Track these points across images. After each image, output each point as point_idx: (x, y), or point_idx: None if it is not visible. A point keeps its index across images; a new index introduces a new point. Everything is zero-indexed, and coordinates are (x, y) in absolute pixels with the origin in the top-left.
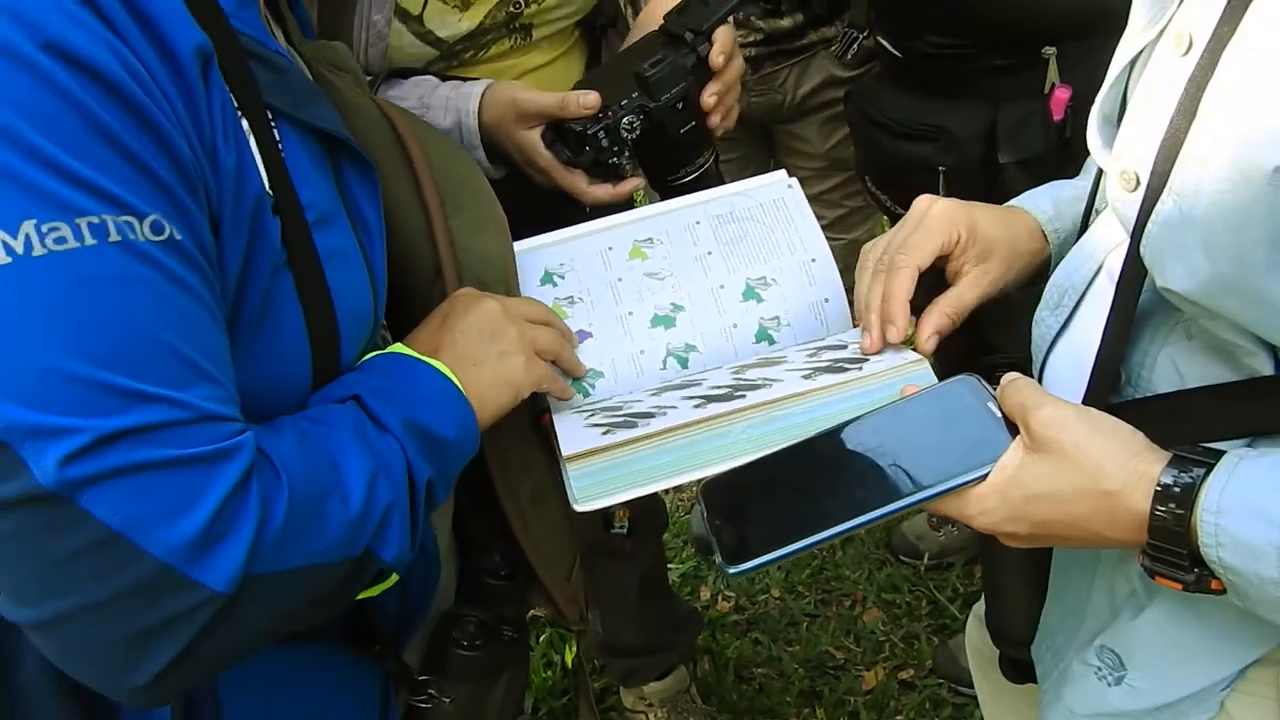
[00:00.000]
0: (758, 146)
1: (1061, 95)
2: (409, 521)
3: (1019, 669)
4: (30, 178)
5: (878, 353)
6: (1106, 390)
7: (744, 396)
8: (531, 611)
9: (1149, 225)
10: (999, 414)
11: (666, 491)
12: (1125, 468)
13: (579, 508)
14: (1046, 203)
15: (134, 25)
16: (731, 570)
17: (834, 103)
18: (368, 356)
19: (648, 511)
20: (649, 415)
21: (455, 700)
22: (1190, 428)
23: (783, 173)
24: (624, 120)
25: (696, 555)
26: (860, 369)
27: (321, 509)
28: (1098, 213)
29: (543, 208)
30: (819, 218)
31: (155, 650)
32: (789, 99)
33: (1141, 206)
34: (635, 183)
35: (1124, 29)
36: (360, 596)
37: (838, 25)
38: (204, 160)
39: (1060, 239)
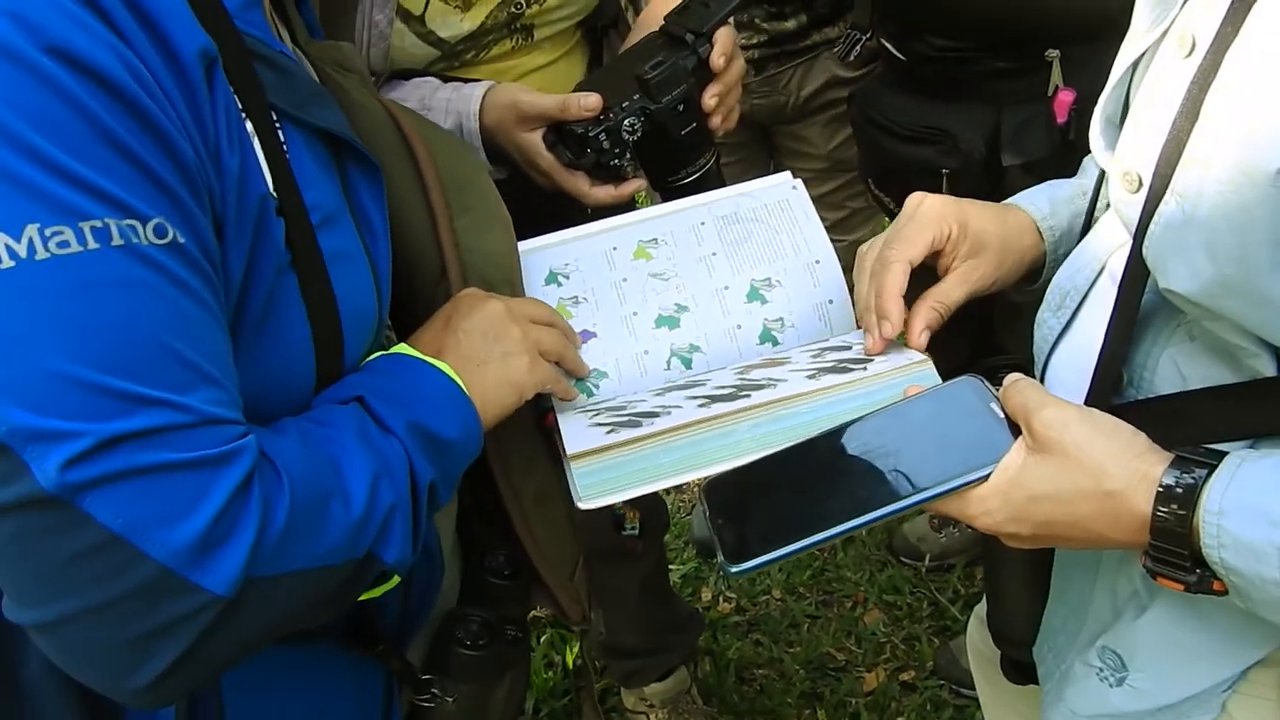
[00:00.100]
0: (759, 148)
1: (1065, 98)
2: (411, 523)
3: (1020, 670)
4: (33, 181)
5: (881, 353)
6: (1109, 391)
7: (748, 396)
8: (532, 612)
9: (1151, 227)
10: (1001, 415)
11: (668, 492)
12: (1127, 469)
13: (582, 505)
14: (1042, 200)
15: (138, 28)
16: (734, 569)
17: (837, 103)
18: (372, 357)
19: (649, 513)
20: (653, 415)
21: (458, 699)
22: (1192, 429)
23: (787, 174)
24: (625, 122)
25: (698, 557)
26: (864, 369)
27: (323, 511)
28: (1100, 214)
29: (544, 209)
30: (821, 219)
31: (156, 652)
32: (792, 100)
33: (1144, 208)
34: (637, 184)
35: (1127, 31)
36: (363, 598)
37: (840, 26)
38: (208, 163)
39: (1055, 236)
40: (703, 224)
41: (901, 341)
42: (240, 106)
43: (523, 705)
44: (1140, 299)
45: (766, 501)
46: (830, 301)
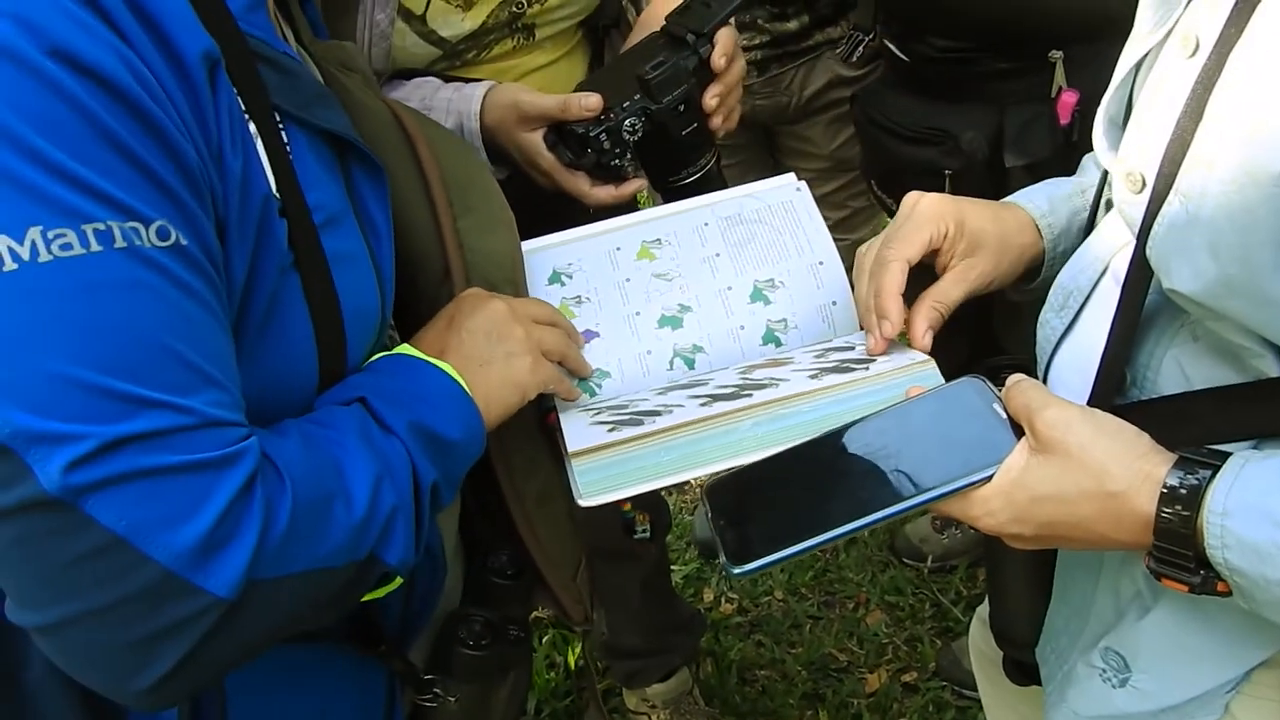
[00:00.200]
0: (760, 149)
1: (1068, 99)
2: (413, 524)
3: (1023, 671)
4: (36, 184)
5: (883, 353)
6: (1111, 392)
7: (750, 395)
8: (534, 613)
9: (1155, 227)
10: (1004, 415)
11: (670, 493)
12: (1130, 469)
13: (583, 503)
14: (1041, 198)
15: (140, 30)
16: (736, 571)
17: (839, 103)
18: (374, 358)
19: (651, 513)
20: (655, 413)
21: (460, 700)
22: (1195, 429)
23: (791, 176)
24: (626, 122)
25: (700, 557)
26: (867, 369)
27: (326, 513)
28: (1102, 214)
29: (545, 209)
30: (823, 218)
31: (159, 655)
32: (795, 100)
33: (1147, 208)
34: (637, 184)
35: (1130, 32)
36: (365, 599)
37: (843, 26)
38: (210, 165)
39: (1054, 233)
40: (706, 225)
41: (904, 342)
42: (243, 108)
43: (524, 705)
44: (1143, 299)
45: (769, 502)
46: (833, 303)
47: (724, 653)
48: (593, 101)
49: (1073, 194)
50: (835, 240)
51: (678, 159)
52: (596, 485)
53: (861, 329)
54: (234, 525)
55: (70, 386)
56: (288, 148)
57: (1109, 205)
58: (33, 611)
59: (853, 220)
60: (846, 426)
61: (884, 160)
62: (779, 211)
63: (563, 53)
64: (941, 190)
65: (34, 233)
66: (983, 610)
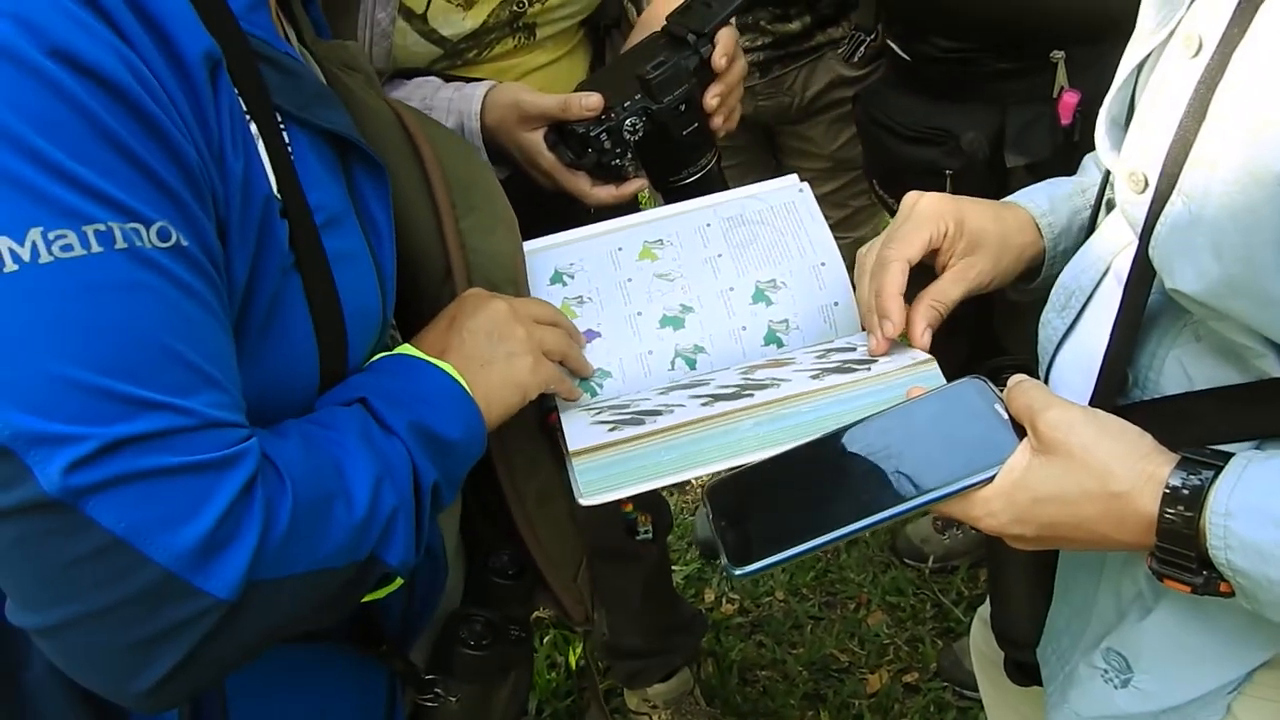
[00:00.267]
0: (761, 150)
1: (1070, 99)
2: (414, 525)
3: (1024, 672)
4: (37, 185)
5: (885, 354)
6: (1114, 392)
7: (751, 395)
8: (535, 613)
9: (1158, 227)
10: (1006, 416)
11: (671, 493)
12: (1133, 470)
13: (583, 502)
14: (1041, 197)
15: (141, 30)
16: (737, 572)
17: (841, 103)
18: (375, 358)
19: (653, 513)
20: (656, 413)
21: (461, 699)
22: (1198, 430)
23: (794, 177)
24: (626, 122)
25: (701, 557)
26: (868, 369)
27: (326, 514)
28: (1104, 215)
29: (546, 209)
30: (825, 218)
31: (159, 656)
32: (797, 100)
33: (1150, 208)
34: (638, 184)
35: (1131, 32)
36: (366, 599)
37: (844, 26)
38: (211, 166)
39: (1054, 232)
40: (708, 225)
41: (904, 342)
42: (244, 108)
43: (526, 705)
44: (1146, 299)
45: (770, 503)
46: (835, 304)
47: (725, 653)
48: (593, 101)
49: (1073, 193)
50: (836, 239)
51: (678, 159)
52: (597, 485)
53: (863, 329)
54: (234, 526)
55: (70, 388)
56: (289, 148)
57: (1110, 205)
58: (33, 613)
59: (854, 219)
60: (847, 427)
61: (886, 160)
62: (781, 212)
63: (564, 52)
64: (942, 190)
65: (34, 234)
66: (984, 611)
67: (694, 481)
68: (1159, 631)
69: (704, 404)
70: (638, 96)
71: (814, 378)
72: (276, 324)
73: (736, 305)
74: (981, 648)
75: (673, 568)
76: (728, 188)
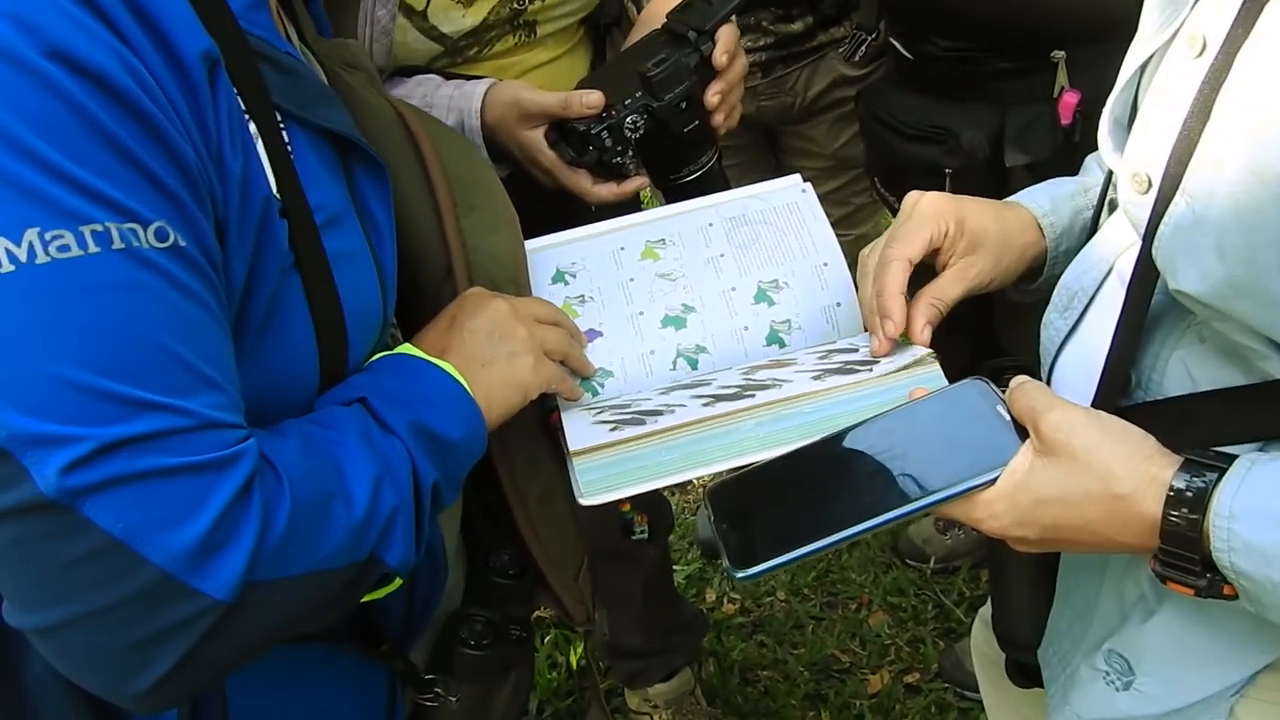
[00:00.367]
0: (762, 150)
1: (1070, 99)
2: (414, 525)
3: (1025, 673)
4: (34, 185)
5: (887, 354)
6: (1116, 393)
7: (753, 396)
8: (536, 613)
9: (1161, 227)
10: (1008, 417)
11: (672, 493)
12: (1136, 471)
13: (584, 502)
14: (1043, 197)
15: (139, 30)
16: (739, 574)
17: (843, 102)
18: (375, 357)
19: (654, 513)
20: (657, 413)
21: (461, 699)
22: (1201, 431)
23: (797, 177)
24: (627, 119)
25: (702, 557)
26: (870, 370)
27: (325, 514)
28: (1106, 215)
29: (547, 207)
30: (826, 215)
31: (156, 657)
32: (799, 100)
33: (1154, 209)
34: (639, 181)
35: (1134, 33)
36: (366, 599)
37: (846, 26)
38: (209, 165)
39: (1056, 232)
40: (711, 225)
41: (905, 341)
42: (243, 108)
43: (526, 705)
44: (1149, 300)
45: (771, 506)
46: (838, 304)
47: (726, 653)
48: (594, 99)
49: (1075, 193)
50: (838, 236)
51: (679, 156)
52: (597, 484)
53: (865, 330)
54: (231, 527)
55: (67, 388)
56: (289, 147)
57: (1113, 206)
58: (30, 614)
59: (855, 216)
60: (849, 429)
61: (887, 158)
62: (784, 212)
63: (564, 50)
64: (942, 189)
65: (31, 234)
66: (985, 612)
67: (696, 481)
68: (1161, 634)
69: (705, 404)
70: (638, 94)
71: (816, 378)
72: (276, 324)
73: (739, 305)
74: (983, 649)
75: (674, 567)
76: (729, 185)
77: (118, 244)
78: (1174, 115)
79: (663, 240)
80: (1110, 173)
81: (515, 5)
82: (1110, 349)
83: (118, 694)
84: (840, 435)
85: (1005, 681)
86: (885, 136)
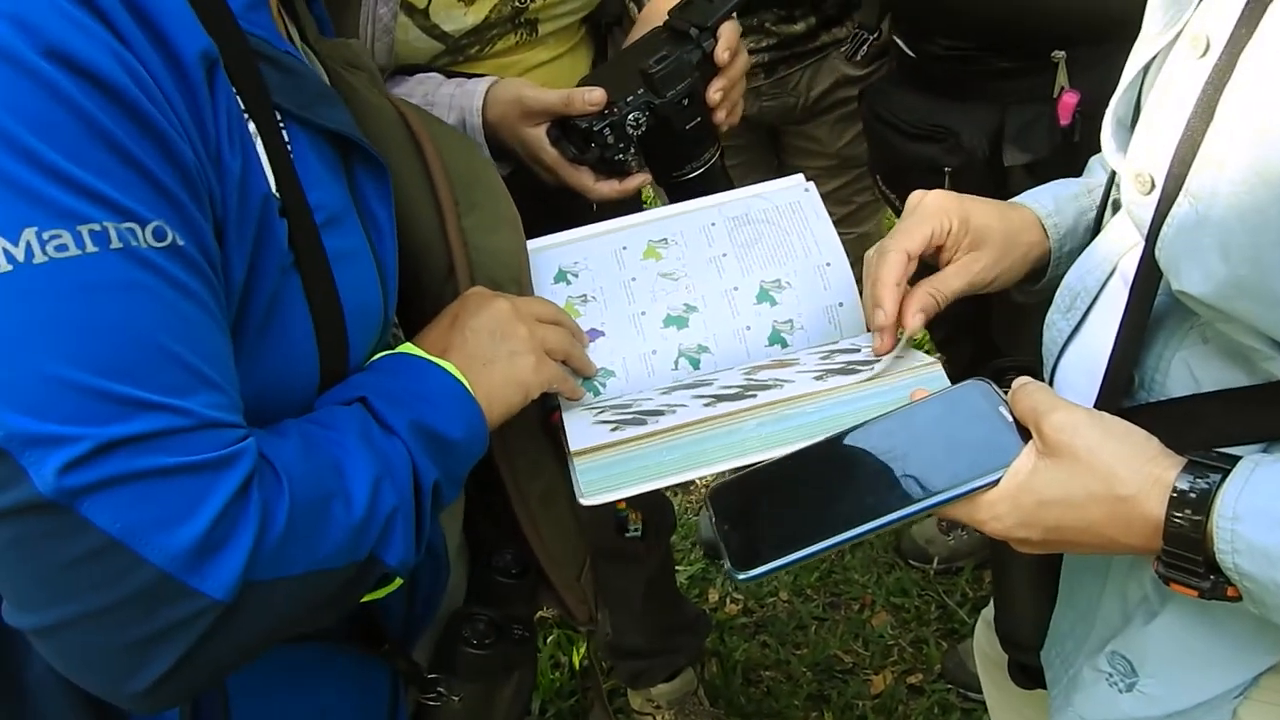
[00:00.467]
0: (764, 149)
1: (1069, 100)
2: (414, 525)
3: (1028, 675)
4: (31, 185)
5: (889, 353)
6: (1119, 394)
7: (754, 396)
8: (539, 613)
9: (1164, 228)
10: (1010, 418)
11: (675, 493)
12: (1139, 473)
13: (585, 501)
14: (1047, 198)
15: (138, 30)
16: (740, 576)
17: (846, 102)
18: (376, 357)
19: (656, 513)
20: (658, 412)
21: (464, 699)
22: (1205, 432)
23: (800, 176)
24: (629, 116)
25: (705, 558)
26: (872, 371)
27: (324, 514)
28: (1109, 216)
29: (548, 205)
30: (829, 214)
31: (155, 657)
32: (802, 101)
33: (1157, 209)
34: (641, 178)
35: (1136, 34)
36: (366, 599)
37: (848, 26)
38: (208, 165)
39: (1060, 233)
40: (713, 225)
41: (903, 336)
42: (243, 107)
43: (529, 705)
44: (1152, 301)
45: (773, 507)
46: (840, 304)
47: (729, 653)
48: (596, 96)
49: (1079, 194)
50: (840, 235)
51: (681, 153)
52: (598, 484)
53: (868, 330)
54: (230, 527)
55: (65, 388)
56: (289, 147)
57: (1116, 206)
58: (29, 614)
59: (858, 215)
60: (851, 429)
61: (889, 157)
62: (786, 212)
63: (566, 49)
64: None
65: (29, 234)
66: (988, 613)
67: (698, 482)
68: (1165, 635)
69: (707, 404)
70: (640, 91)
71: (818, 379)
72: (276, 323)
73: (741, 305)
74: (986, 650)
75: (676, 568)
76: (731, 183)
77: (115, 243)
78: (1177, 116)
79: (665, 240)
80: (1113, 173)
81: (517, 3)
82: (1113, 350)
83: (116, 694)
84: (842, 436)
85: (1008, 683)
86: (887, 135)
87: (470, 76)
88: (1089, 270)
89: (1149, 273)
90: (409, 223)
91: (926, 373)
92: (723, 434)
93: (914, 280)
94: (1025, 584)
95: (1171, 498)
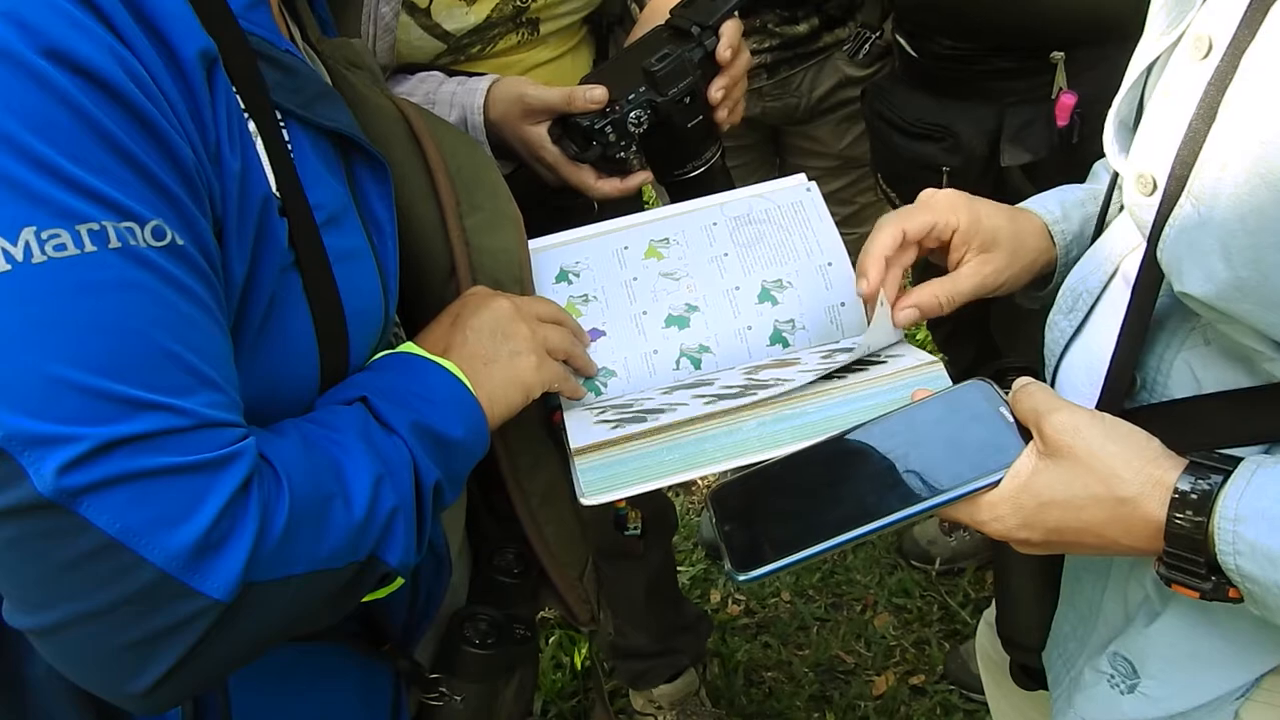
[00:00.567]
0: (766, 150)
1: (1067, 101)
2: (414, 525)
3: (1030, 676)
4: (30, 184)
5: (891, 354)
6: (1121, 395)
7: (756, 395)
8: (541, 613)
9: (1166, 229)
10: (1011, 419)
11: (676, 493)
12: (1140, 474)
13: (585, 501)
14: (1053, 204)
15: (137, 29)
16: (741, 577)
17: (848, 102)
18: (377, 356)
19: (657, 513)
20: (659, 411)
21: (466, 699)
22: (1206, 434)
23: (801, 176)
24: (631, 115)
25: (706, 558)
26: (874, 370)
27: (324, 514)
28: (1112, 217)
29: (550, 203)
30: (831, 214)
31: (155, 657)
32: (804, 101)
33: (1159, 210)
34: (642, 177)
35: (1135, 36)
36: (368, 599)
37: (850, 26)
38: (207, 164)
39: (1067, 239)
40: (715, 224)
41: (908, 341)
42: (243, 106)
43: (531, 705)
44: (1154, 302)
45: (774, 508)
46: (842, 304)
47: (731, 654)
48: (598, 94)
49: (1085, 200)
50: (842, 235)
51: (683, 152)
52: (599, 484)
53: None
54: (230, 527)
55: (65, 388)
56: (289, 146)
57: (1119, 208)
58: (29, 614)
59: (860, 215)
60: (852, 429)
61: (890, 155)
62: (788, 212)
63: (567, 49)
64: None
65: (28, 233)
66: (990, 614)
67: (700, 482)
68: (1166, 637)
69: (707, 404)
70: (642, 89)
71: (819, 379)
72: (276, 322)
73: (742, 305)
74: (988, 651)
75: (678, 568)
76: (732, 182)
77: (114, 243)
78: (1179, 117)
79: (666, 239)
80: (1116, 174)
81: (518, 3)
82: (1115, 351)
83: (117, 694)
84: (843, 436)
85: (1010, 684)
86: (888, 134)
87: (471, 75)
88: (1091, 271)
89: (1151, 274)
90: (410, 222)
91: (928, 372)
92: (723, 434)
93: (919, 281)
94: (1027, 585)
95: (1173, 499)
